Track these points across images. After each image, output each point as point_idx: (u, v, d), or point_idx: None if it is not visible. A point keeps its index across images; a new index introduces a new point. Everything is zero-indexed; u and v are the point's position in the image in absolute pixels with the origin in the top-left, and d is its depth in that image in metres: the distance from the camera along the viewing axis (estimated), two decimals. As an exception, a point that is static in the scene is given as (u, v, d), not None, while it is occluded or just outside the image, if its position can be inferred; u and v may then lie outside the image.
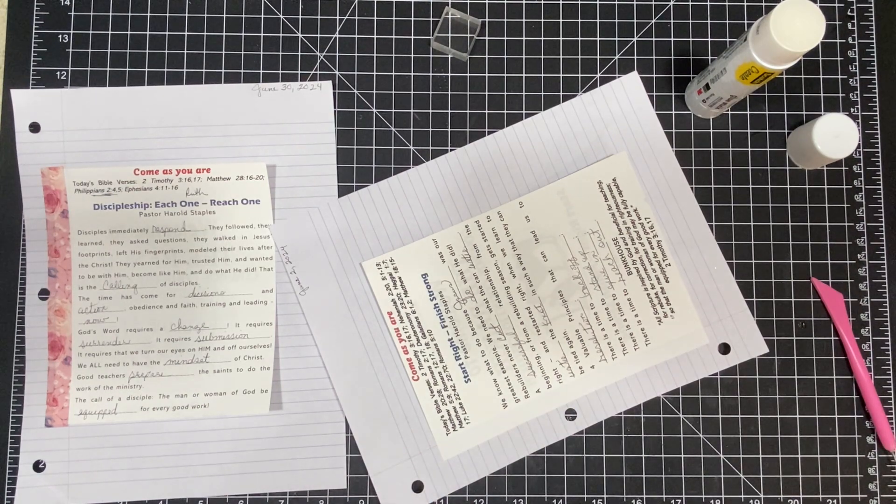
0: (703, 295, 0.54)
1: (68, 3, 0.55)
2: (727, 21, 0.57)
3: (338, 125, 0.55)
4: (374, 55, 0.56)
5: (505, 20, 0.56)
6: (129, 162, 0.53)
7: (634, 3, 0.57)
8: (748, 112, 0.56)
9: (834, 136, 0.51)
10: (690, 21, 0.56)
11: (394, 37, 0.56)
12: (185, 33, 0.55)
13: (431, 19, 0.56)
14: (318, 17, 0.56)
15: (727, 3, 0.57)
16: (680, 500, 0.53)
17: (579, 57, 0.56)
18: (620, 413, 0.53)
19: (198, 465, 0.52)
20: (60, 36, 0.55)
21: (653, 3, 0.57)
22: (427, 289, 0.53)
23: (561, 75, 0.56)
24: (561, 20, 0.56)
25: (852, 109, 0.56)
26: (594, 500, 0.53)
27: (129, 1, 0.55)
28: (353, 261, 0.53)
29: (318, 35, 0.56)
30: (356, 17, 0.56)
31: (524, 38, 0.56)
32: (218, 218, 0.53)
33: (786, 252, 0.55)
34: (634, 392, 0.53)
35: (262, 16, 0.56)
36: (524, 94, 0.56)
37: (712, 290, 0.54)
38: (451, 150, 0.55)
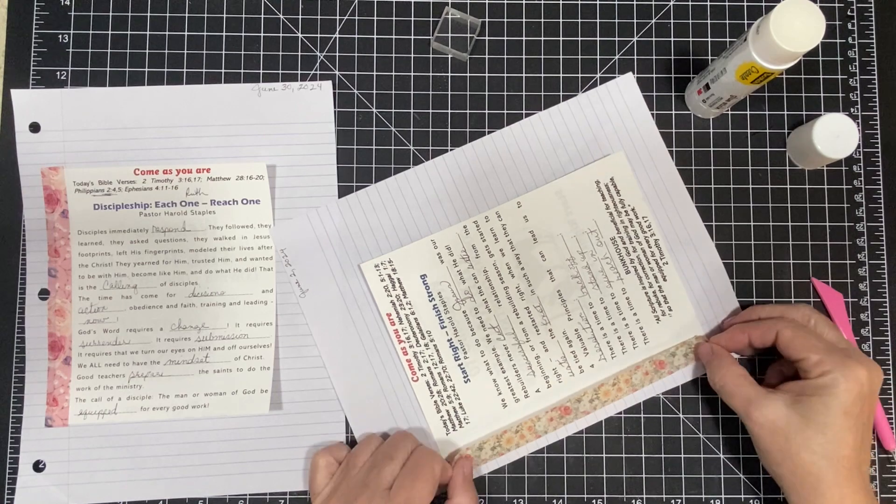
0: (699, 293, 0.54)
1: (68, 3, 0.55)
2: (727, 21, 0.56)
3: (338, 125, 0.55)
4: (374, 55, 0.56)
5: (505, 20, 0.56)
6: (129, 162, 0.54)
7: (634, 3, 0.57)
8: (748, 112, 0.56)
9: (834, 136, 0.51)
10: (690, 21, 0.56)
11: (394, 37, 0.56)
12: (185, 33, 0.55)
13: (431, 19, 0.56)
14: (318, 17, 0.56)
15: (727, 3, 0.57)
16: (680, 500, 0.53)
17: (579, 57, 0.56)
18: (620, 413, 0.53)
19: (198, 465, 0.52)
20: (60, 36, 0.55)
21: (653, 3, 0.57)
22: (426, 289, 0.53)
23: (561, 75, 0.56)
24: (561, 20, 0.56)
25: (852, 109, 0.56)
26: (594, 500, 0.53)
27: (129, 1, 0.55)
28: (353, 262, 0.53)
29: (318, 35, 0.56)
30: (356, 17, 0.56)
31: (524, 38, 0.56)
32: (218, 218, 0.53)
33: (786, 252, 0.55)
34: (634, 392, 0.53)
35: (262, 16, 0.56)
36: (524, 94, 0.56)
37: (709, 288, 0.54)
38: (451, 150, 0.55)
